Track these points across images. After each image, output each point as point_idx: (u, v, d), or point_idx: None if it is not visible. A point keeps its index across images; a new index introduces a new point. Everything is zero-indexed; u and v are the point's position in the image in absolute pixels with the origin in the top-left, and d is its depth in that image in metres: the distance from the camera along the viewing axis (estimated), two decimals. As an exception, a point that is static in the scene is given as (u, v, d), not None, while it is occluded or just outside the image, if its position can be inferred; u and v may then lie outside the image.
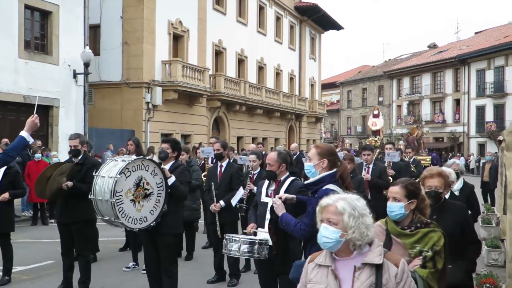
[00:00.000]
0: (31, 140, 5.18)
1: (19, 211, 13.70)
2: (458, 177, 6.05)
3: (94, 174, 5.64)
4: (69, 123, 18.27)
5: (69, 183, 6.51)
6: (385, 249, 2.83)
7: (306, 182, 4.39)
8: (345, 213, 2.68)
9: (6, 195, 7.25)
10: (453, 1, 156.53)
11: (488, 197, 16.18)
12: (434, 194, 4.29)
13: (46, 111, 17.92)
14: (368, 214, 2.75)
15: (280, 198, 4.61)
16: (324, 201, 2.80)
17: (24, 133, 5.07)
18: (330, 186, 4.07)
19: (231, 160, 8.28)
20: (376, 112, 31.46)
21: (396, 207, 3.50)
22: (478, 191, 17.52)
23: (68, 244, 6.81)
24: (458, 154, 45.28)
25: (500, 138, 10.81)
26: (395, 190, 3.56)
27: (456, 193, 5.88)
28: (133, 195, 5.47)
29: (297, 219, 4.34)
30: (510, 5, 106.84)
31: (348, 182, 4.26)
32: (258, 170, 7.96)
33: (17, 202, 11.66)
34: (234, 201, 7.36)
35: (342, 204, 2.71)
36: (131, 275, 8.07)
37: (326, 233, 2.68)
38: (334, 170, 4.20)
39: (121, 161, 5.55)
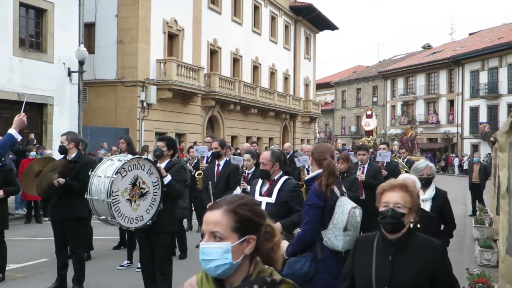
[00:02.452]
0: (19, 137, 5.22)
1: (12, 209, 13.67)
2: (429, 183, 5.27)
3: (90, 173, 5.65)
4: (63, 121, 18.23)
5: (61, 180, 6.48)
6: None
7: (305, 178, 4.49)
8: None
9: (0, 192, 7.24)
10: (448, 2, 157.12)
11: (477, 198, 16.20)
12: (391, 214, 2.85)
13: (40, 109, 17.87)
14: None
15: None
16: None
17: (12, 131, 5.11)
18: None
19: (228, 159, 8.28)
20: (369, 112, 31.62)
21: (215, 252, 1.82)
22: (467, 193, 17.77)
23: (61, 242, 6.81)
24: (451, 155, 45.50)
25: (492, 139, 10.89)
26: (213, 218, 1.85)
27: (428, 203, 5.15)
28: (129, 194, 5.49)
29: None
30: (504, 6, 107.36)
31: (335, 176, 4.34)
32: (253, 169, 7.97)
33: (11, 200, 11.62)
34: (231, 201, 7.35)
35: None
36: (125, 273, 8.07)
37: None
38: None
39: (117, 160, 5.57)
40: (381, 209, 2.92)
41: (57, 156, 7.42)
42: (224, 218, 1.84)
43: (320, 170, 4.27)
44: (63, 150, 6.73)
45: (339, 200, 4.23)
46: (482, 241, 9.50)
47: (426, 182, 5.22)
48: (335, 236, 4.16)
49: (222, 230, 1.82)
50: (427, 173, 5.27)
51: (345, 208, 4.23)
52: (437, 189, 5.32)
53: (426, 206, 5.05)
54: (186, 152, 13.40)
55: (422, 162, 5.43)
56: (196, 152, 9.91)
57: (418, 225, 3.69)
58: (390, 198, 2.91)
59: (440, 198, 5.26)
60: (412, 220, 2.93)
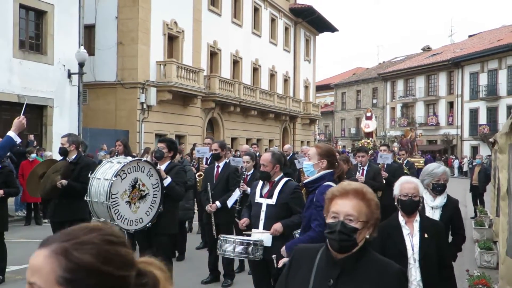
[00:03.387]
0: (18, 140, 5.24)
1: (12, 211, 13.67)
2: (444, 190, 4.80)
3: (89, 175, 5.65)
4: (63, 123, 18.23)
5: (64, 181, 6.49)
6: None
7: (306, 180, 4.45)
8: None
9: (0, 192, 7.24)
10: (448, 4, 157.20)
11: (478, 200, 16.20)
12: (340, 229, 2.20)
13: (40, 111, 17.88)
14: None
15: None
16: None
17: (11, 133, 5.13)
18: (330, 184, 4.15)
19: (228, 160, 8.28)
20: (369, 114, 31.60)
21: None
22: (468, 195, 17.76)
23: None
24: (451, 157, 45.50)
25: (492, 140, 10.90)
26: (33, 262, 1.20)
27: (437, 211, 4.73)
28: (128, 196, 5.49)
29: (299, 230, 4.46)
30: (504, 8, 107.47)
31: None
32: (252, 171, 7.98)
33: (11, 201, 11.61)
34: (230, 202, 7.35)
35: None
36: (125, 275, 8.05)
37: None
38: (333, 169, 4.30)
39: (117, 163, 5.58)
40: (329, 220, 2.27)
41: (57, 158, 7.42)
42: (47, 264, 1.14)
43: (328, 171, 4.26)
44: (64, 151, 6.73)
45: None
46: (482, 242, 9.51)
47: (442, 189, 4.79)
48: None
49: (41, 283, 1.12)
50: (444, 179, 4.78)
51: None
52: (448, 197, 4.86)
53: (436, 215, 4.71)
54: (187, 154, 13.38)
55: (439, 167, 4.88)
56: (197, 153, 9.93)
57: (426, 235, 3.85)
58: (341, 208, 2.23)
59: (451, 207, 4.81)
60: (367, 236, 2.26)
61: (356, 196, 2.25)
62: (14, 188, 7.64)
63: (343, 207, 2.23)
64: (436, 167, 4.85)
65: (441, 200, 4.79)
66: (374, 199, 2.31)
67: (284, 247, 4.38)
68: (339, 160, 7.57)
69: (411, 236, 3.91)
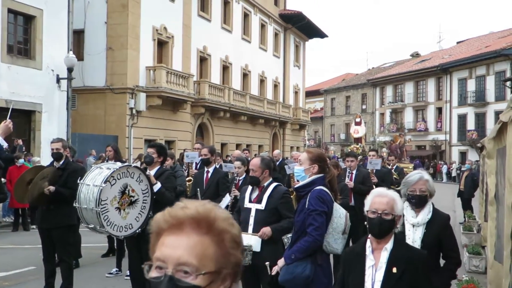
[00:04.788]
0: (5, 144, 5.23)
1: (0, 217, 13.55)
2: (423, 203, 3.94)
3: (78, 181, 5.62)
4: (52, 128, 18.11)
5: (51, 188, 6.43)
6: None
7: (296, 185, 4.47)
8: None
9: (-12, 197, 7.16)
10: (436, 11, 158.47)
11: (463, 205, 16.28)
12: (167, 285, 1.22)
13: (28, 116, 17.75)
14: None
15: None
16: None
17: None
18: (322, 188, 4.20)
19: (218, 165, 8.27)
20: (358, 119, 31.71)
21: None
22: (456, 200, 17.85)
23: (49, 250, 6.75)
24: (440, 163, 45.75)
25: (480, 145, 10.99)
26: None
27: (419, 230, 3.88)
28: (118, 202, 5.47)
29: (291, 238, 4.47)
30: (492, 15, 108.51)
31: (335, 188, 4.39)
32: (243, 176, 7.97)
33: (-2, 207, 11.54)
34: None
35: None
36: (113, 281, 8.02)
37: None
38: (324, 174, 4.33)
39: (106, 169, 5.55)
40: (152, 274, 1.25)
41: (45, 163, 7.36)
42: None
43: (319, 176, 4.30)
44: (59, 156, 6.67)
45: (334, 205, 4.31)
46: (470, 247, 9.57)
47: (417, 201, 3.93)
48: (335, 240, 4.24)
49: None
50: (420, 189, 3.93)
51: (341, 212, 4.37)
52: (435, 212, 3.99)
53: (417, 234, 3.87)
54: (178, 159, 13.33)
55: (415, 174, 4.06)
56: (186, 158, 9.93)
57: (394, 270, 3.00)
58: (170, 251, 1.25)
59: (439, 224, 3.93)
60: None
61: (197, 228, 1.29)
62: (1, 194, 7.57)
63: (174, 250, 1.26)
64: (412, 175, 4.06)
65: (423, 215, 3.93)
66: (229, 229, 1.32)
67: (282, 258, 4.35)
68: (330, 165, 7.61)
69: (375, 269, 3.07)
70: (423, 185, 3.95)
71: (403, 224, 3.83)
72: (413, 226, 3.91)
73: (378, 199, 3.12)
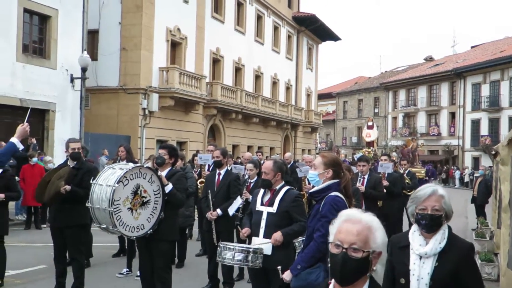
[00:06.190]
0: (21, 146, 5.31)
1: (12, 215, 13.65)
2: (437, 225, 3.02)
3: (91, 182, 5.65)
4: (65, 127, 18.25)
5: (67, 187, 6.49)
6: None
7: (311, 190, 4.42)
8: None
9: (1, 195, 7.23)
10: (450, 15, 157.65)
11: (477, 212, 16.14)
12: None
13: (42, 115, 17.90)
14: None
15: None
16: None
17: (14, 140, 5.21)
18: (337, 194, 4.15)
19: (230, 167, 8.27)
20: (370, 123, 31.57)
21: None
22: (469, 206, 17.71)
23: (61, 249, 6.78)
24: (452, 168, 45.44)
25: (493, 151, 10.89)
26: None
27: (428, 262, 3.01)
28: (130, 203, 5.49)
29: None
30: (507, 20, 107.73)
31: (350, 193, 4.33)
32: (255, 178, 7.96)
33: (11, 205, 11.62)
34: (231, 210, 7.28)
35: None
36: (124, 281, 8.04)
37: None
38: (339, 179, 4.27)
39: (119, 169, 5.57)
40: None
41: (57, 163, 7.41)
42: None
43: (334, 181, 4.24)
44: (79, 156, 6.76)
45: None
46: (482, 254, 9.47)
47: (428, 223, 3.02)
48: None
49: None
50: (432, 207, 3.02)
51: None
52: (452, 238, 3.05)
53: (425, 268, 3.02)
54: (189, 161, 13.37)
55: (426, 187, 3.13)
56: (199, 160, 9.95)
57: None
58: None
59: (457, 254, 2.98)
60: None
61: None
62: (15, 192, 7.65)
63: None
64: (422, 189, 3.14)
65: (435, 243, 3.02)
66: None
67: (289, 271, 4.31)
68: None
69: None
70: (437, 202, 3.04)
71: (408, 255, 3.10)
72: (421, 257, 3.04)
73: (346, 225, 2.17)
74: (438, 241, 3.01)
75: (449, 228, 3.10)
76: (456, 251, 2.99)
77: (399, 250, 3.13)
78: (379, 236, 2.18)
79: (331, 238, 2.21)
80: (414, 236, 3.10)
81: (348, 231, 2.14)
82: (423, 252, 3.02)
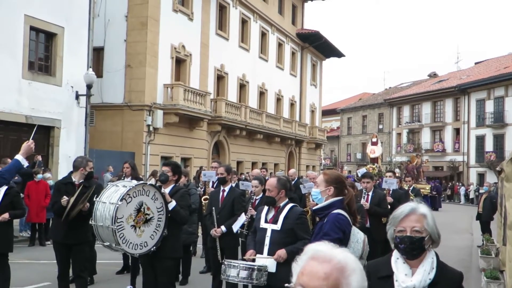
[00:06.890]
0: (25, 163, 5.32)
1: (17, 232, 13.64)
2: (420, 251, 2.66)
3: (95, 199, 5.66)
4: (70, 144, 18.31)
5: (87, 204, 6.45)
6: None
7: (315, 207, 4.41)
8: None
9: (6, 215, 7.22)
10: (454, 31, 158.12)
11: (482, 229, 16.02)
12: None
13: (47, 132, 17.97)
14: None
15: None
16: None
17: (19, 157, 5.23)
18: (340, 212, 4.13)
19: (234, 184, 8.26)
20: (374, 139, 31.67)
21: None
22: (474, 223, 17.60)
23: (66, 266, 6.77)
24: (457, 184, 45.26)
25: (498, 168, 10.88)
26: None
27: None
28: (134, 220, 5.50)
29: None
30: (511, 36, 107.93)
31: (354, 209, 4.31)
32: (260, 195, 7.95)
33: (16, 222, 11.62)
34: (235, 227, 7.25)
35: None
36: (128, 299, 8.01)
37: None
38: (342, 197, 4.25)
39: (122, 186, 5.59)
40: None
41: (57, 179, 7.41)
42: None
43: (337, 198, 4.22)
44: (92, 175, 6.89)
45: (352, 229, 4.24)
46: (488, 271, 9.40)
47: (407, 247, 2.65)
48: None
49: None
50: (411, 228, 2.64)
51: (359, 237, 4.27)
52: (441, 268, 2.70)
53: None
54: (194, 177, 13.38)
55: (405, 206, 2.75)
56: (204, 177, 9.94)
57: None
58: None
59: (449, 286, 2.68)
60: None
61: None
62: (20, 210, 7.66)
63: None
64: (402, 207, 2.76)
65: (423, 274, 2.63)
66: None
67: None
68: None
69: None
70: (417, 223, 2.62)
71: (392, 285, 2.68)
72: None
73: (312, 265, 1.63)
74: (427, 271, 2.63)
75: (437, 255, 2.73)
76: (447, 282, 2.64)
77: (379, 281, 2.61)
78: (354, 280, 1.57)
79: (293, 280, 1.66)
80: (398, 264, 2.68)
81: (313, 274, 1.58)
82: (411, 285, 2.59)
